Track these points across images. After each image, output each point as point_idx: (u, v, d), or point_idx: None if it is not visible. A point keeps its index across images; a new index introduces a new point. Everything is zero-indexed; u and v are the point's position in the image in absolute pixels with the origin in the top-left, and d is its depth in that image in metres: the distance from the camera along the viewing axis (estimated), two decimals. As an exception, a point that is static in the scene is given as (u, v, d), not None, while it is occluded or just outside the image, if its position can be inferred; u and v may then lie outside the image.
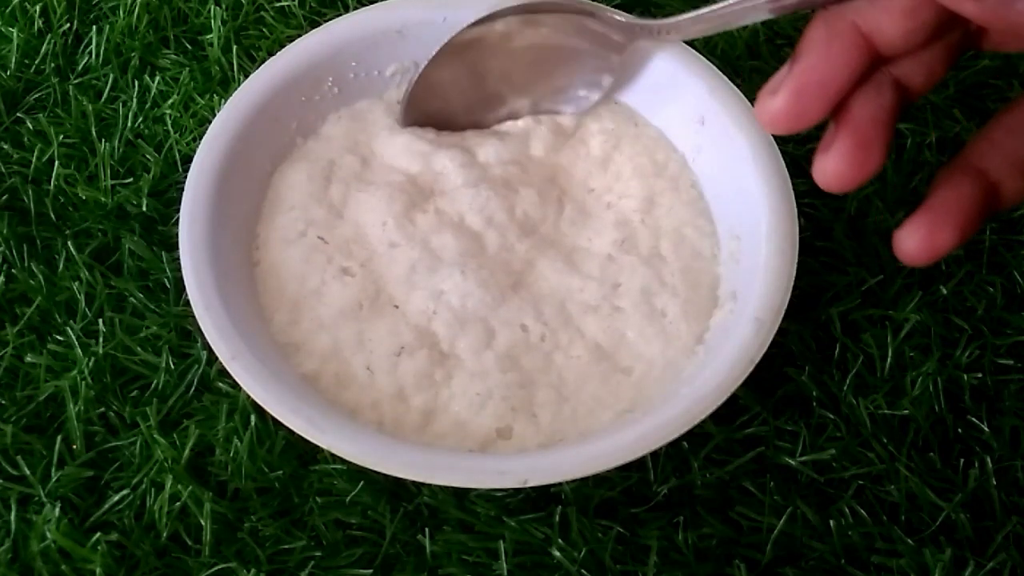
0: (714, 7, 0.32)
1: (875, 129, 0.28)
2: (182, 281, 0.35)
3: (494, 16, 0.36)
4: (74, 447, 0.36)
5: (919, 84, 0.29)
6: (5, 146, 0.43)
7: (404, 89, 0.40)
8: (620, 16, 0.36)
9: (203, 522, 0.34)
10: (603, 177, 0.40)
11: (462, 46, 0.37)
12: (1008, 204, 0.28)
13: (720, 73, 0.39)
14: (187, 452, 0.35)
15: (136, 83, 0.44)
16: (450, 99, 0.39)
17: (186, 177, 0.37)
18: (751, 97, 0.39)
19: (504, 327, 0.36)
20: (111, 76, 0.45)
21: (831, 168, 0.27)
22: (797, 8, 0.29)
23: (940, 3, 0.25)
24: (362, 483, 0.35)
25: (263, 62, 0.40)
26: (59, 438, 0.36)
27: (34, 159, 0.42)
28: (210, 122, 0.38)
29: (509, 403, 0.35)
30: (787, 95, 0.27)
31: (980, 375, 0.37)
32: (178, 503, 0.35)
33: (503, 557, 0.34)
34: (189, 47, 0.46)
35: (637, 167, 0.40)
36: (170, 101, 0.44)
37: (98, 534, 0.34)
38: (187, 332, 0.38)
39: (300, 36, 0.41)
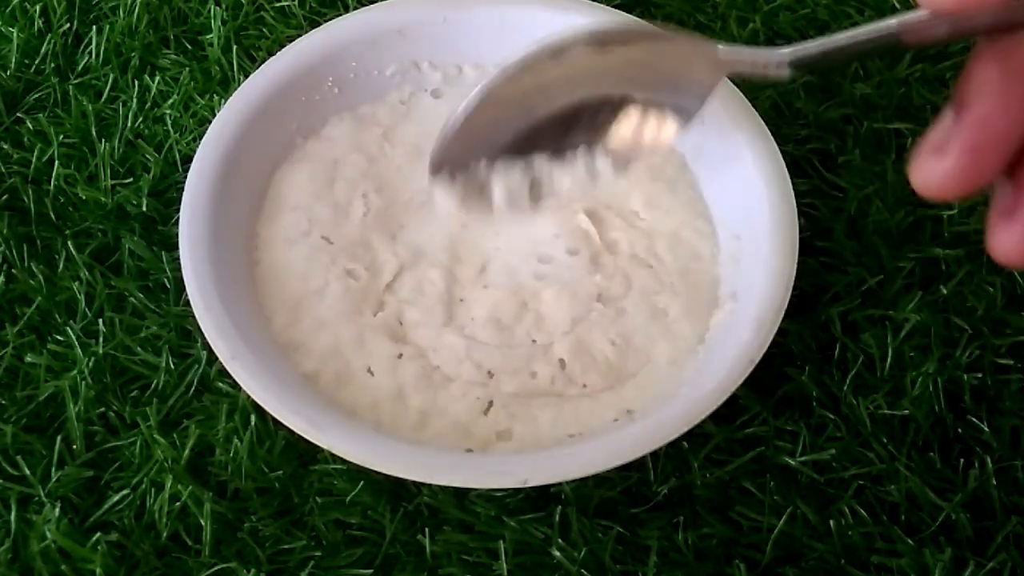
0: (840, 35, 0.26)
1: None
2: (182, 281, 0.35)
3: (561, 46, 0.30)
4: (74, 447, 0.36)
5: None
6: (5, 146, 0.43)
7: (442, 132, 0.32)
8: (708, 46, 0.29)
9: (203, 522, 0.34)
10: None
11: (513, 80, 0.30)
12: None
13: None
14: (187, 452, 0.35)
15: (136, 83, 0.44)
16: (493, 140, 0.32)
17: (186, 177, 0.37)
18: (751, 97, 0.39)
19: (505, 327, 0.36)
20: (111, 76, 0.45)
21: (1020, 243, 0.23)
22: (949, 40, 0.24)
23: None
24: (362, 483, 0.35)
25: (263, 62, 0.40)
26: (59, 438, 0.36)
27: (34, 159, 0.42)
28: (210, 122, 0.38)
29: (509, 409, 0.35)
30: (960, 154, 0.22)
31: (980, 375, 0.37)
32: (178, 503, 0.35)
33: (503, 557, 0.34)
34: (189, 47, 0.46)
35: (635, 168, 0.40)
36: (170, 101, 0.44)
37: (98, 534, 0.34)
38: (187, 332, 0.38)
39: (300, 36, 0.41)
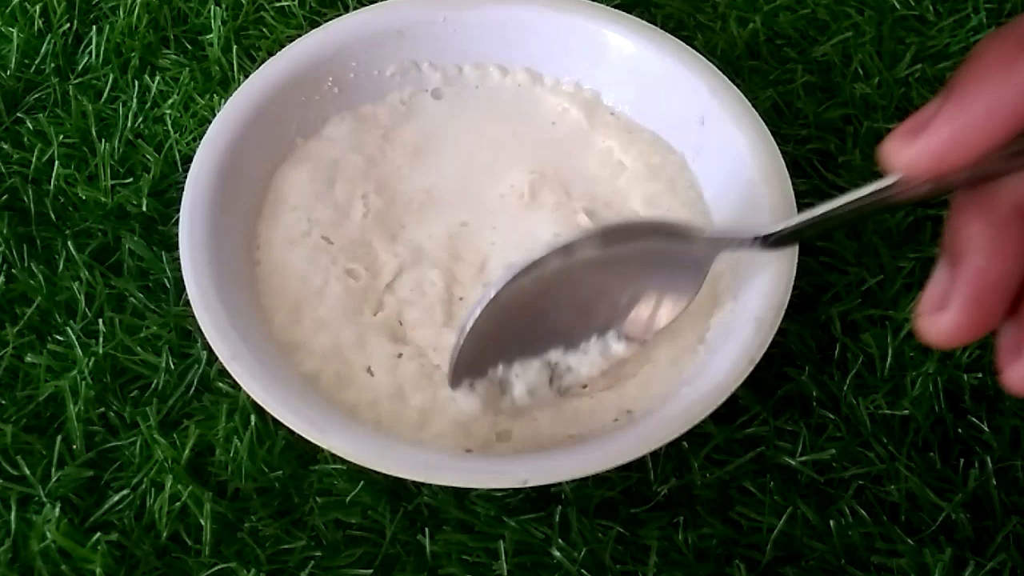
0: (827, 207, 0.28)
1: None
2: (182, 281, 0.35)
3: (571, 247, 0.31)
4: (74, 447, 0.36)
5: None
6: (5, 146, 0.43)
7: (457, 344, 0.33)
8: (705, 233, 0.32)
9: (203, 522, 0.34)
10: (602, 178, 0.40)
11: (518, 284, 0.32)
12: None
13: (720, 73, 0.39)
14: (187, 452, 0.35)
15: (136, 83, 0.44)
16: (505, 344, 0.34)
17: (186, 177, 0.37)
18: (751, 97, 0.39)
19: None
20: (111, 76, 0.45)
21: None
22: (930, 196, 0.25)
23: None
24: (362, 483, 0.35)
25: (263, 62, 0.40)
26: (59, 438, 0.36)
27: (34, 159, 0.42)
28: (210, 122, 0.38)
29: (510, 404, 0.35)
30: (962, 307, 0.23)
31: (980, 375, 0.37)
32: (178, 503, 0.35)
33: (503, 557, 0.34)
34: (189, 47, 0.46)
35: (635, 169, 0.40)
36: (170, 101, 0.44)
37: (98, 534, 0.34)
38: (187, 332, 0.38)
39: (300, 36, 0.41)
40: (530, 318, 0.33)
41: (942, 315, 0.24)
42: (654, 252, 0.32)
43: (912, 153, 0.23)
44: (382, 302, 0.37)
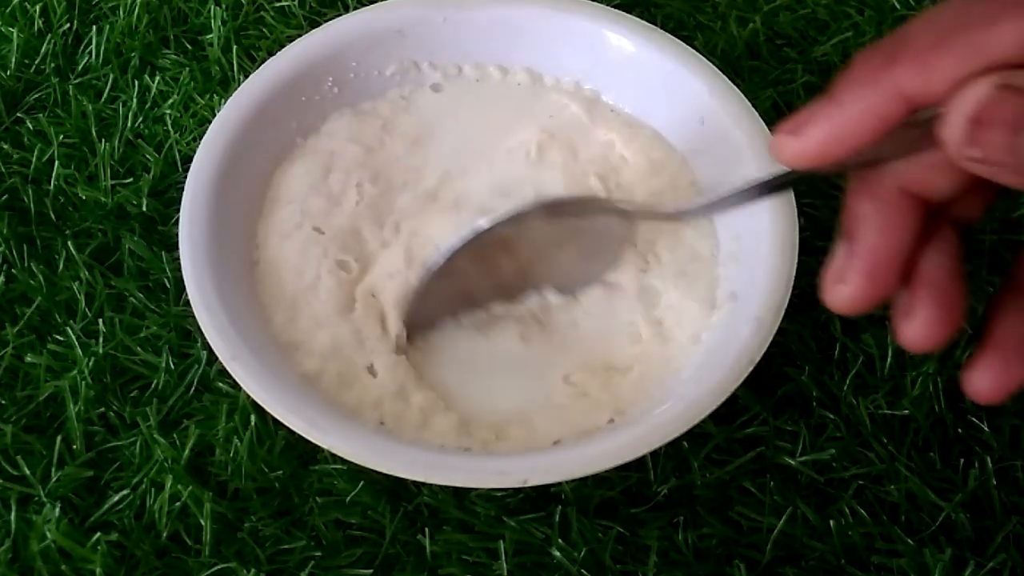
0: (720, 193, 0.32)
1: (951, 283, 0.26)
2: (182, 281, 0.35)
3: (520, 216, 0.35)
4: (74, 447, 0.36)
5: (977, 213, 0.27)
6: (5, 146, 0.43)
7: (409, 302, 0.36)
8: (627, 206, 0.36)
9: (203, 522, 0.34)
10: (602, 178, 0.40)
11: (481, 243, 0.35)
12: None
13: (720, 73, 0.39)
14: (187, 452, 0.35)
15: (136, 83, 0.44)
16: (450, 302, 0.37)
17: (186, 177, 0.37)
18: (751, 97, 0.39)
19: (505, 329, 0.36)
20: (111, 76, 0.45)
21: (920, 335, 0.26)
22: (822, 174, 0.28)
23: (979, 175, 0.24)
24: (362, 483, 0.35)
25: (263, 62, 0.40)
26: (59, 438, 0.36)
27: (34, 159, 0.42)
28: (210, 122, 0.38)
29: (510, 404, 0.35)
30: (858, 279, 0.26)
31: (980, 375, 0.37)
32: (178, 503, 0.35)
33: (503, 557, 0.34)
34: (189, 47, 0.46)
35: (635, 168, 0.40)
36: (170, 101, 0.44)
37: (98, 534, 0.34)
38: (187, 332, 0.38)
39: (300, 36, 0.41)
40: (475, 278, 0.36)
41: (842, 287, 0.26)
42: (587, 222, 0.36)
43: (794, 148, 0.26)
44: (373, 302, 0.37)
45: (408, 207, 0.39)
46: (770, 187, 0.30)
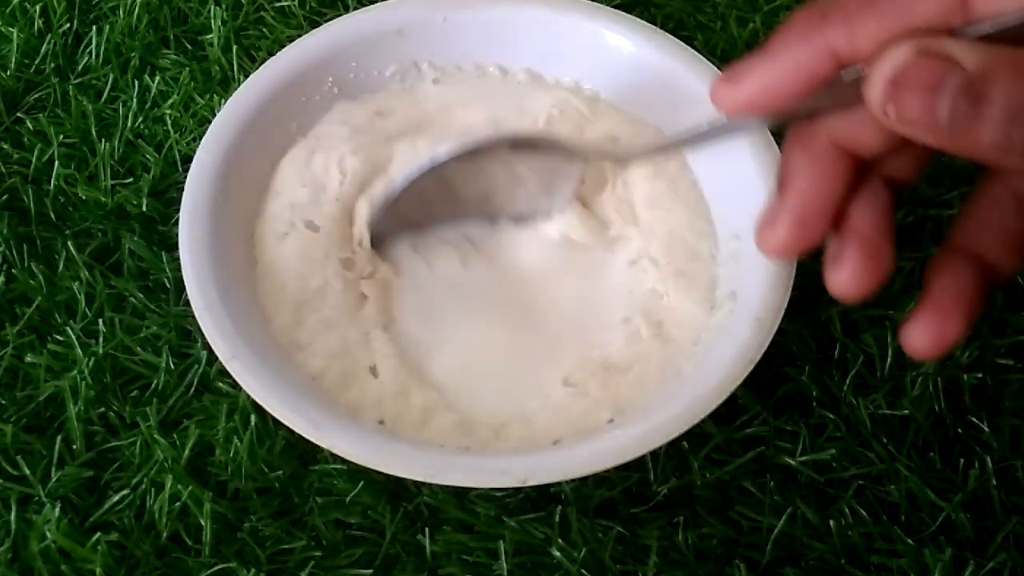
0: (676, 137, 0.33)
1: (879, 234, 0.28)
2: (182, 281, 0.35)
3: (480, 148, 0.36)
4: (74, 447, 0.36)
5: (910, 174, 0.29)
6: (5, 146, 0.43)
7: (375, 210, 0.38)
8: (581, 146, 0.38)
9: (203, 522, 0.34)
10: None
11: (442, 169, 0.37)
12: (1005, 279, 0.28)
13: (720, 73, 0.39)
14: (187, 452, 0.35)
15: (136, 83, 0.44)
16: (423, 213, 0.38)
17: (186, 177, 0.37)
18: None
19: (505, 327, 0.36)
20: (111, 76, 0.45)
21: (846, 282, 0.28)
22: (766, 122, 0.29)
23: (898, 131, 0.25)
24: (362, 483, 0.35)
25: (263, 62, 0.40)
26: (59, 438, 0.36)
27: (34, 159, 0.42)
28: (210, 122, 0.38)
29: (510, 403, 0.35)
30: (788, 225, 0.28)
31: (980, 375, 0.37)
32: (178, 503, 0.35)
33: (503, 557, 0.34)
34: (189, 47, 0.46)
35: (636, 169, 0.40)
36: (170, 101, 0.44)
37: (98, 534, 0.34)
38: (187, 332, 0.38)
39: (300, 36, 0.41)
40: (436, 203, 0.37)
41: (773, 231, 0.28)
42: (544, 161, 0.37)
43: (730, 96, 0.28)
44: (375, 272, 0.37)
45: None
46: (714, 134, 0.31)
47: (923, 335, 0.27)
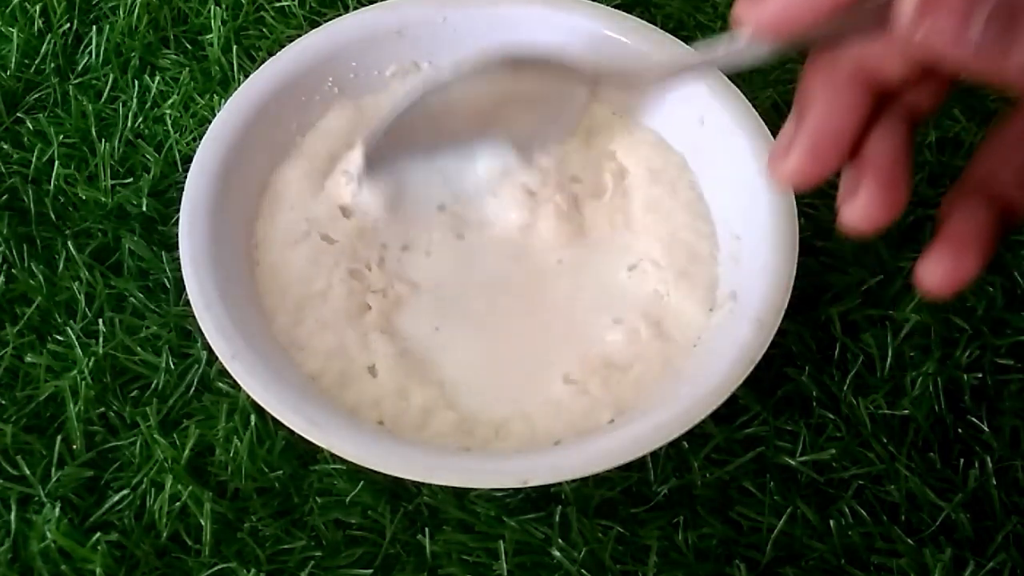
0: (679, 62, 0.33)
1: (897, 167, 0.27)
2: (182, 281, 0.35)
3: (476, 68, 0.35)
4: (74, 447, 0.36)
5: (928, 107, 0.28)
6: (5, 146, 0.43)
7: (374, 131, 0.37)
8: (587, 67, 0.36)
9: (203, 522, 0.34)
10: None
11: (439, 93, 0.36)
12: (1019, 219, 0.27)
13: (720, 73, 0.39)
14: (187, 452, 0.35)
15: (136, 83, 0.44)
16: (415, 143, 0.38)
17: (186, 177, 0.37)
18: (751, 97, 0.39)
19: (505, 326, 0.36)
20: (111, 76, 0.45)
21: (861, 214, 0.27)
22: (777, 53, 0.28)
23: (924, 55, 0.24)
24: (362, 483, 0.35)
25: (263, 62, 0.40)
26: (59, 438, 0.36)
27: (34, 159, 0.42)
28: (210, 122, 0.38)
29: (510, 403, 0.35)
30: (802, 153, 0.27)
31: (980, 375, 0.37)
32: (178, 503, 0.35)
33: (503, 557, 0.34)
34: (189, 47, 0.46)
35: (635, 173, 0.40)
36: (170, 101, 0.44)
37: (98, 534, 0.34)
38: (187, 332, 0.38)
39: (300, 36, 0.41)
40: (436, 127, 0.37)
41: (786, 160, 0.27)
42: (548, 86, 0.36)
43: (755, 15, 0.27)
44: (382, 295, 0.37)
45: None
46: (728, 61, 0.30)
47: (937, 271, 0.27)
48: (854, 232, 0.27)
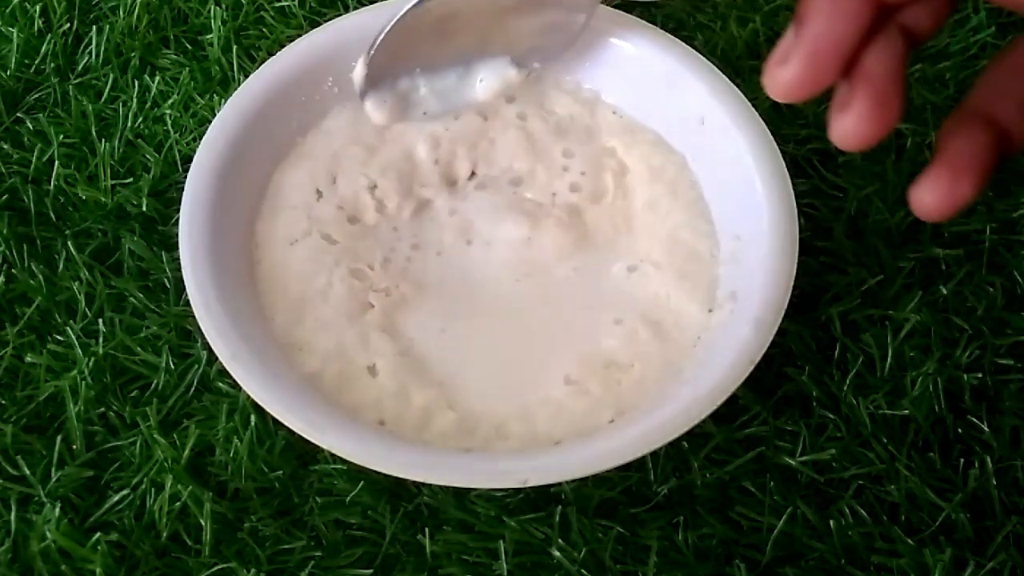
0: None
1: (892, 84, 0.27)
2: (182, 281, 0.35)
3: None
4: (74, 447, 0.36)
5: (927, 28, 0.28)
6: (5, 146, 0.43)
7: (369, 49, 0.37)
8: None
9: (203, 522, 0.34)
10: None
11: (431, 8, 0.36)
12: (1018, 148, 0.27)
13: (720, 73, 0.39)
14: (187, 452, 0.35)
15: (136, 83, 0.44)
16: (415, 57, 0.38)
17: (186, 177, 0.37)
18: (751, 97, 0.39)
19: (506, 326, 0.36)
20: (111, 76, 0.45)
21: (852, 128, 0.27)
22: None
23: None
24: (362, 483, 0.35)
25: (263, 62, 0.40)
26: (59, 438, 0.36)
27: (34, 159, 0.42)
28: (210, 122, 0.38)
29: (510, 403, 0.35)
30: (800, 62, 0.26)
31: (980, 375, 0.37)
32: (178, 503, 0.35)
33: (503, 557, 0.34)
34: (189, 47, 0.46)
35: (635, 171, 0.40)
36: (170, 101, 0.44)
37: (98, 534, 0.34)
38: (187, 332, 0.38)
39: (300, 36, 0.41)
40: (435, 39, 0.37)
41: (783, 69, 0.27)
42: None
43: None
44: (388, 305, 0.37)
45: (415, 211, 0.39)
46: None
47: (933, 193, 0.26)
48: (843, 147, 0.27)
